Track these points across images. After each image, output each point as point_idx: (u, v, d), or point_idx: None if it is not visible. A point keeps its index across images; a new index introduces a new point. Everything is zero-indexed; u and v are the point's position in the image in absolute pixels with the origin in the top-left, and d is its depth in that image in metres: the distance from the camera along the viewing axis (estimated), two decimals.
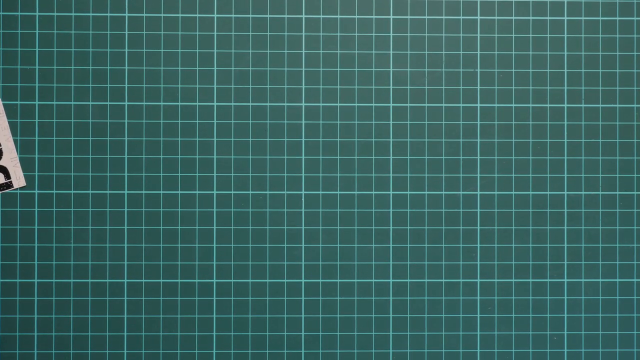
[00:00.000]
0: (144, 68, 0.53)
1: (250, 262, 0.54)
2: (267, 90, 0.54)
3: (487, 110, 0.54)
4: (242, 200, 0.54)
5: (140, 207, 0.53)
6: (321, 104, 0.54)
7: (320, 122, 0.54)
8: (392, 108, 0.54)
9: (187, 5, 0.54)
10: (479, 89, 0.54)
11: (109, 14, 0.53)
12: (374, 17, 0.54)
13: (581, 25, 0.54)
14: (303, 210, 0.54)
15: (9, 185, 0.53)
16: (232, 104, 0.54)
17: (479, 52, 0.54)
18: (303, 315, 0.53)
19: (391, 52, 0.54)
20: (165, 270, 0.53)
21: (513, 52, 0.54)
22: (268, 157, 0.54)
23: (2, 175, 0.53)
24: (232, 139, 0.54)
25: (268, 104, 0.54)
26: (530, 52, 0.54)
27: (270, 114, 0.54)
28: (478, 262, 0.54)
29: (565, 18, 0.54)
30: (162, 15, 0.54)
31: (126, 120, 0.53)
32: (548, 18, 0.54)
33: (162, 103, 0.53)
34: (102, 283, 0.53)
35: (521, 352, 0.54)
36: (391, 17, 0.54)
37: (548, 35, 0.54)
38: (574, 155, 0.54)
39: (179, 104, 0.53)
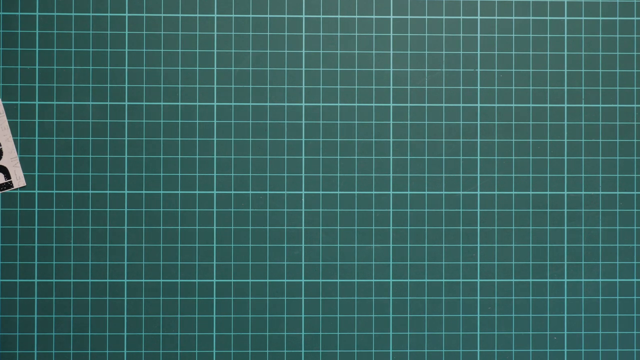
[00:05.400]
0: (144, 68, 0.53)
1: (250, 262, 0.54)
2: (267, 90, 0.54)
3: (487, 110, 0.54)
4: (242, 200, 0.54)
5: (140, 207, 0.53)
6: (321, 104, 0.54)
7: (320, 122, 0.54)
8: (392, 108, 0.54)
9: (187, 5, 0.54)
10: (479, 89, 0.54)
11: (109, 14, 0.53)
12: (374, 17, 0.54)
13: (581, 25, 0.54)
14: (303, 210, 0.54)
15: (9, 185, 0.53)
16: (232, 104, 0.54)
17: (479, 52, 0.54)
18: (303, 315, 0.53)
19: (391, 52, 0.54)
20: (165, 270, 0.53)
21: (513, 52, 0.54)
22: (268, 157, 0.54)
23: (2, 175, 0.53)
24: (232, 139, 0.54)
25: (268, 104, 0.54)
26: (530, 52, 0.54)
27: (270, 114, 0.54)
28: (478, 262, 0.54)
29: (565, 18, 0.54)
30: (162, 15, 0.54)
31: (126, 120, 0.53)
32: (548, 18, 0.54)
33: (162, 103, 0.53)
34: (102, 283, 0.53)
35: (521, 352, 0.54)
36: (391, 17, 0.54)
37: (548, 35, 0.54)
38: (574, 155, 0.54)
39: (179, 104, 0.53)
